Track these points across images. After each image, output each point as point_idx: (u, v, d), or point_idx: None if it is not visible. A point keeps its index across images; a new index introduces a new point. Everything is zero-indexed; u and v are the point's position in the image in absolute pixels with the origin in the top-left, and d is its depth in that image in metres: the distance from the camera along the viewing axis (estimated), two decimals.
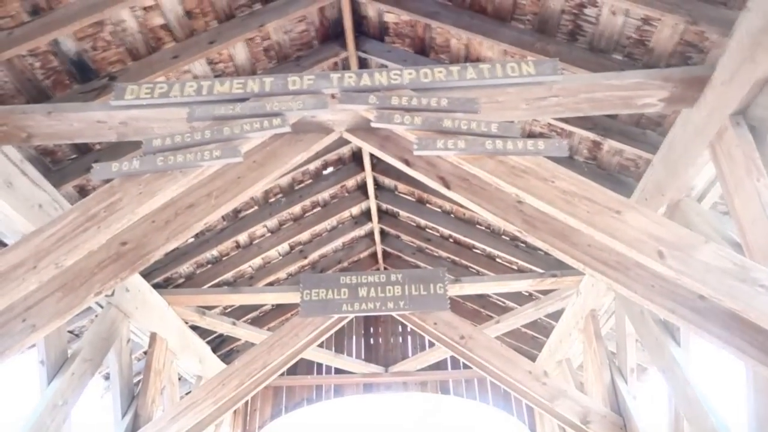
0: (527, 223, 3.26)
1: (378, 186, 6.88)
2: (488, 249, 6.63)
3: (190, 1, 3.82)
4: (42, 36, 3.31)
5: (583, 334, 5.50)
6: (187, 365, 6.58)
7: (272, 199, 6.20)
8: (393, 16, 4.52)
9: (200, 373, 6.84)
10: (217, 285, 6.46)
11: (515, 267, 6.64)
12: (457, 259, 7.27)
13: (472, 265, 7.17)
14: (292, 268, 7.41)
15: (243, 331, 6.60)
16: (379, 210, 7.31)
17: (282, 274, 7.38)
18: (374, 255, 8.47)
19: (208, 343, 7.18)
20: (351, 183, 6.77)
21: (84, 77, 3.79)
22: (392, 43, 4.78)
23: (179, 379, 6.85)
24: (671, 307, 3.03)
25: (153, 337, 5.63)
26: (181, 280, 6.19)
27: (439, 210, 6.71)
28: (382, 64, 4.79)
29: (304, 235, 6.97)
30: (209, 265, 6.39)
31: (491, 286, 5.99)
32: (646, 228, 2.70)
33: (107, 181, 3.06)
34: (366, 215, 7.47)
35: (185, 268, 6.04)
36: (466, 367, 7.02)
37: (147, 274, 5.53)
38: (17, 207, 3.54)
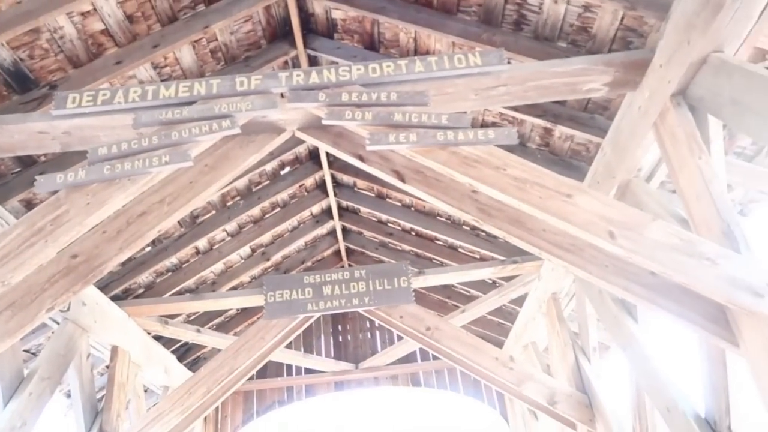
0: (483, 211, 3.31)
1: (337, 183, 6.86)
2: (450, 240, 6.69)
3: (129, 5, 3.72)
4: None
5: (547, 318, 5.61)
6: (152, 376, 6.44)
7: (230, 203, 6.11)
8: (340, 13, 4.50)
9: (167, 384, 6.71)
10: (179, 293, 6.34)
11: (477, 256, 6.72)
12: (420, 251, 7.31)
13: (435, 257, 7.22)
14: (256, 271, 7.33)
15: (208, 338, 6.50)
16: (340, 207, 7.29)
17: (245, 278, 7.29)
18: (338, 252, 8.45)
19: (173, 352, 7.04)
20: (309, 182, 6.73)
21: (23, 87, 3.65)
22: (341, 39, 4.76)
23: (145, 391, 6.72)
24: (625, 285, 3.11)
25: (114, 350, 5.48)
26: (140, 290, 6.05)
27: (399, 204, 6.73)
28: (333, 61, 4.77)
29: (266, 237, 6.90)
30: (169, 273, 6.26)
31: (454, 276, 6.04)
32: (596, 210, 2.77)
33: (54, 193, 2.97)
34: (327, 213, 7.45)
35: (144, 277, 5.91)
36: (435, 358, 7.10)
37: (104, 286, 5.39)
38: None
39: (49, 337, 4.96)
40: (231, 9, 4.08)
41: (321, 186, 6.89)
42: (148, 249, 5.71)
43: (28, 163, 4.10)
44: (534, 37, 3.84)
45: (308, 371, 8.23)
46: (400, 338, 7.54)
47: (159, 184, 3.21)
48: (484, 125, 4.81)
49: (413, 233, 7.20)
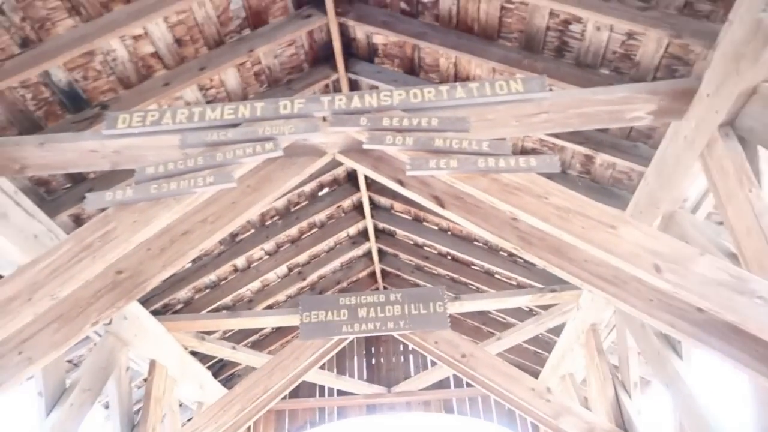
0: (523, 239, 3.25)
1: (374, 205, 6.89)
2: (486, 265, 6.61)
3: (179, 29, 3.85)
4: (32, 68, 3.33)
5: (585, 349, 5.46)
6: (187, 392, 6.51)
7: (269, 222, 6.19)
8: (381, 38, 4.56)
9: (201, 399, 6.77)
10: (216, 309, 6.42)
11: (514, 282, 6.62)
12: (456, 276, 7.24)
13: (471, 282, 7.14)
14: (291, 290, 7.38)
15: (243, 356, 6.56)
16: (376, 229, 7.31)
17: (281, 297, 7.35)
18: (373, 274, 8.44)
19: (209, 368, 7.12)
20: (347, 203, 6.78)
21: (76, 107, 3.81)
22: (382, 63, 4.82)
23: (180, 405, 6.78)
24: (670, 321, 3.01)
25: (152, 364, 5.58)
26: (179, 306, 6.16)
27: (436, 228, 6.71)
28: (373, 85, 4.83)
29: (302, 257, 6.95)
30: (207, 290, 6.36)
31: (491, 303, 5.96)
32: (641, 242, 2.69)
33: (102, 209, 3.07)
34: (363, 235, 7.47)
35: (183, 293, 6.01)
36: (469, 385, 6.97)
37: (145, 301, 5.50)
38: (12, 238, 3.53)
39: (91, 349, 5.09)
40: (275, 33, 4.19)
41: (358, 207, 6.92)
42: (188, 265, 5.82)
43: (78, 179, 4.25)
44: (576, 64, 3.81)
45: (340, 393, 8.19)
46: (433, 363, 7.44)
47: (202, 204, 3.27)
48: (523, 151, 4.78)
49: (449, 257, 7.15)
